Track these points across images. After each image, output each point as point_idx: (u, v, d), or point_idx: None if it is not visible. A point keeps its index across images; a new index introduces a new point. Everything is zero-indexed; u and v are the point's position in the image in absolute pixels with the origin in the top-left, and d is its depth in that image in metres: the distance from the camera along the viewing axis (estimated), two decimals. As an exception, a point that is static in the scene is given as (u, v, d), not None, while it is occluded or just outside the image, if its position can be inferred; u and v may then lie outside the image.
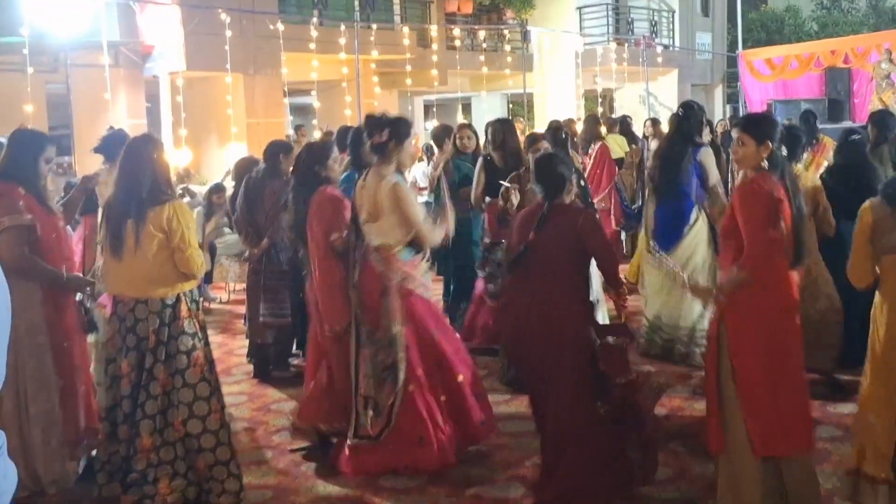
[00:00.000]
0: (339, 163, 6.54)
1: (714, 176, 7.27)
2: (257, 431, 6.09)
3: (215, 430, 4.89)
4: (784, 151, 5.06)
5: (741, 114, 23.19)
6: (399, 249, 5.21)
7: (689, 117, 7.39)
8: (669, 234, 7.32)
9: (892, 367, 4.48)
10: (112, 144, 7.38)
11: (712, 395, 4.66)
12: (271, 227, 7.19)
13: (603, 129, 12.32)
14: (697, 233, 7.29)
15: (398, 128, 5.23)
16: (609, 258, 5.01)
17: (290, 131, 16.44)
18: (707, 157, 7.23)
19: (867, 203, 4.57)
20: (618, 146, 12.55)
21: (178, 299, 4.88)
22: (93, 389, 5.38)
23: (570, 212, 4.99)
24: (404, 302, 5.22)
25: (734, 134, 4.70)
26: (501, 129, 7.89)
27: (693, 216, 7.28)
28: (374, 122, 5.26)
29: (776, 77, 22.32)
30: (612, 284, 5.09)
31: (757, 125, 4.64)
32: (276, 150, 7.38)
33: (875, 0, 37.16)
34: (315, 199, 5.62)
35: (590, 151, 11.45)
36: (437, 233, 5.37)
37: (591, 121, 12.09)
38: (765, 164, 4.55)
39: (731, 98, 27.38)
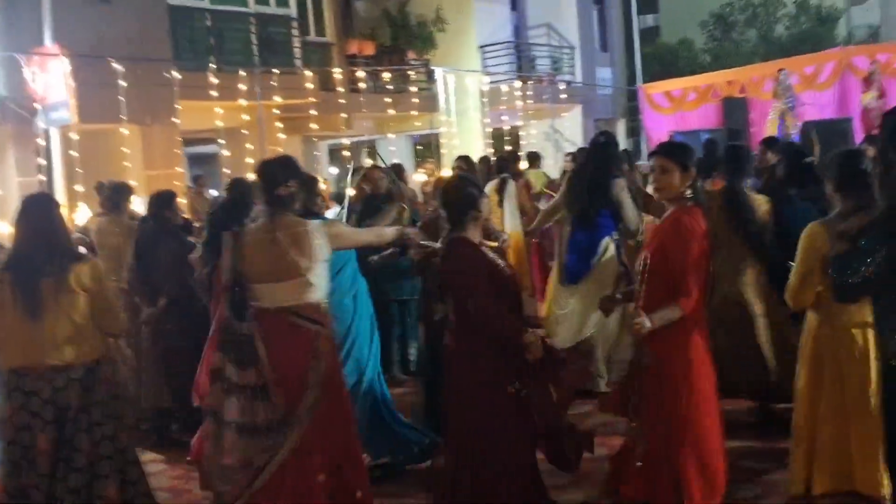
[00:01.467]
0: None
1: (631, 208, 7.14)
2: (182, 499, 5.85)
3: (147, 492, 4.75)
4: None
5: (643, 146, 23.46)
6: (326, 305, 4.69)
7: (609, 145, 7.38)
8: (580, 264, 7.19)
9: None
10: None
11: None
12: (167, 285, 6.83)
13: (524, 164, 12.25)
14: (607, 265, 7.13)
15: (304, 175, 4.94)
16: (490, 319, 4.38)
17: (190, 182, 15.92)
18: (622, 188, 7.12)
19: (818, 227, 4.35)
20: (537, 180, 12.46)
21: (98, 362, 4.59)
22: None
23: (463, 247, 4.52)
24: (333, 365, 4.68)
25: (654, 162, 4.50)
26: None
27: (602, 247, 7.14)
28: (279, 171, 4.67)
29: (676, 109, 22.56)
30: (511, 344, 4.40)
31: (680, 152, 4.50)
32: (161, 203, 7.02)
33: (764, 30, 38.27)
34: None
35: None
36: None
37: (507, 158, 12.03)
38: (688, 192, 4.39)
39: (633, 131, 27.69)
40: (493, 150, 18.15)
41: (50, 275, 4.47)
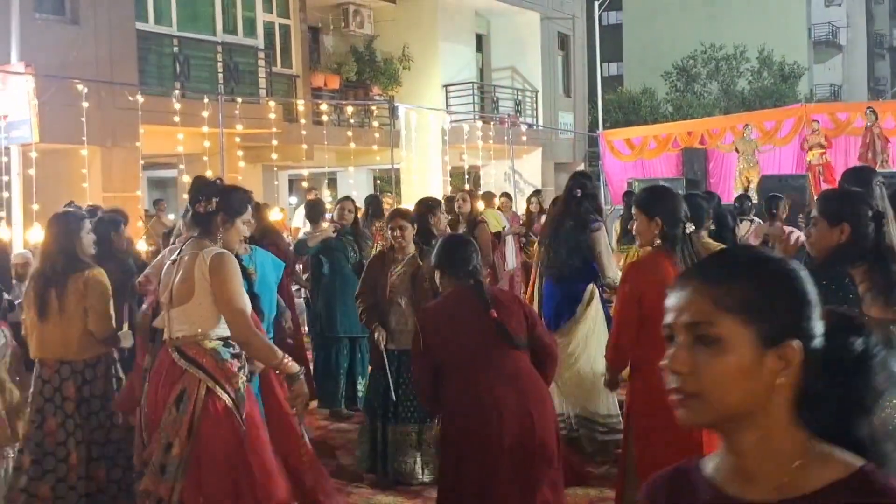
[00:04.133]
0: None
1: (609, 260, 6.95)
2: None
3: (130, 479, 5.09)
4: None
5: (602, 192, 23.73)
6: (214, 344, 4.17)
7: (586, 198, 7.02)
8: (562, 313, 6.97)
9: None
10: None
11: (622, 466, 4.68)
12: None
13: (481, 204, 12.22)
14: (593, 314, 6.96)
15: (230, 200, 4.37)
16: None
17: (146, 206, 15.95)
18: (599, 241, 6.89)
19: None
20: (495, 220, 12.47)
21: (98, 360, 5.33)
22: None
23: (504, 295, 4.64)
24: (208, 413, 4.10)
25: (633, 209, 4.58)
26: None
27: (587, 295, 6.97)
28: (202, 188, 4.37)
29: (636, 157, 22.91)
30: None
31: (645, 200, 4.53)
32: (107, 226, 6.67)
33: (726, 84, 38.95)
34: None
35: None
36: (269, 349, 4.23)
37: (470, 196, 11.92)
38: (657, 241, 4.46)
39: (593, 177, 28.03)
40: (451, 188, 18.36)
41: (56, 284, 5.17)
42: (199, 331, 4.16)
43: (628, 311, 4.41)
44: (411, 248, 6.32)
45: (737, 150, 19.48)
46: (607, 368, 4.69)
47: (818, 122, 18.66)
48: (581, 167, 27.54)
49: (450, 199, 10.98)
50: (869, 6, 55.89)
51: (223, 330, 4.21)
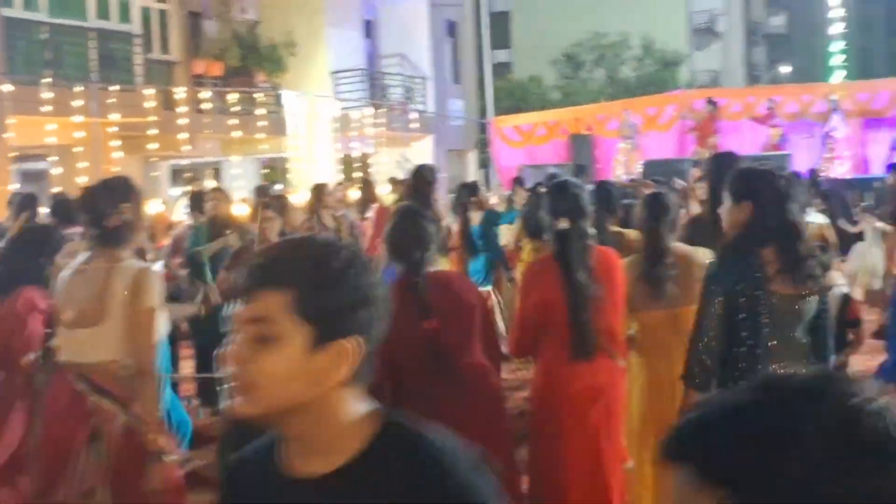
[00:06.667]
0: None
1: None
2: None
3: None
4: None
5: (492, 178, 23.70)
6: (130, 374, 3.60)
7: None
8: None
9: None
10: None
11: None
12: None
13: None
14: None
15: (136, 195, 3.79)
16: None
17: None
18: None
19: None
20: (397, 206, 12.37)
21: None
22: None
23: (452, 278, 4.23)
24: (128, 451, 3.55)
25: None
26: None
27: None
28: (106, 197, 3.67)
29: (525, 143, 22.93)
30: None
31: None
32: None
33: (611, 71, 39.52)
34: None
35: (368, 215, 11.31)
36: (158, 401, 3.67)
37: (366, 184, 12.29)
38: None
39: (484, 163, 27.99)
40: (343, 177, 18.00)
41: None
42: (114, 358, 3.58)
43: (531, 312, 4.24)
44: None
45: (622, 137, 19.70)
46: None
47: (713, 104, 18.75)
48: (473, 154, 27.48)
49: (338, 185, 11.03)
50: (746, -6, 57.41)
51: None
